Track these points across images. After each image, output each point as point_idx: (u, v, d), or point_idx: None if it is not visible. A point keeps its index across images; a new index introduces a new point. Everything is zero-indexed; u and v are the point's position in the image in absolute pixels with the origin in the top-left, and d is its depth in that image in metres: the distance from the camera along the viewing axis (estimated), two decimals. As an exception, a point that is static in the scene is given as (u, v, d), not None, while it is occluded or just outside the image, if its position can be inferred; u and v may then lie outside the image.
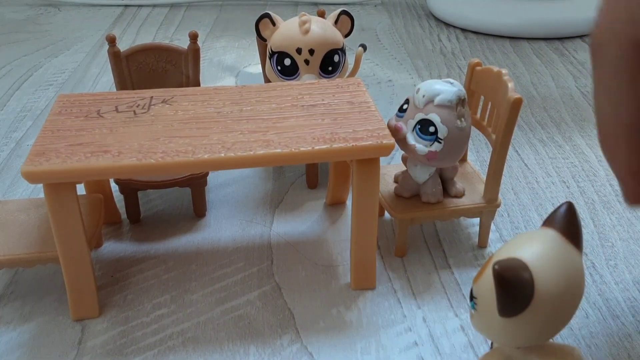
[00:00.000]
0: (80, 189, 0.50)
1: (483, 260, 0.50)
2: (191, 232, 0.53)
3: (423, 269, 0.49)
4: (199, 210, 0.54)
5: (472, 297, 0.31)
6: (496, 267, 0.28)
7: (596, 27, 0.24)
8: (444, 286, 0.47)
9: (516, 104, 0.43)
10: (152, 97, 0.47)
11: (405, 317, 0.44)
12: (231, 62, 0.90)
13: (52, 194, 0.39)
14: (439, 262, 0.49)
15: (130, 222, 0.54)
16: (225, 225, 0.54)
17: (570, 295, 0.29)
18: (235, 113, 0.45)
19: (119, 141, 0.41)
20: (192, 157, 0.40)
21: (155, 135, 0.42)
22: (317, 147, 0.41)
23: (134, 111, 0.45)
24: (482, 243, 0.51)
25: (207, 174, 0.53)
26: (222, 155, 0.40)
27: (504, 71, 0.46)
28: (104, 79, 0.83)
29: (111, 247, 0.51)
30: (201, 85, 0.55)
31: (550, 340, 0.35)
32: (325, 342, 0.42)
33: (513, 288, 0.28)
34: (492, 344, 0.35)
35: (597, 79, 0.25)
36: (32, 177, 0.38)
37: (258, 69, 0.86)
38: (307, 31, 0.53)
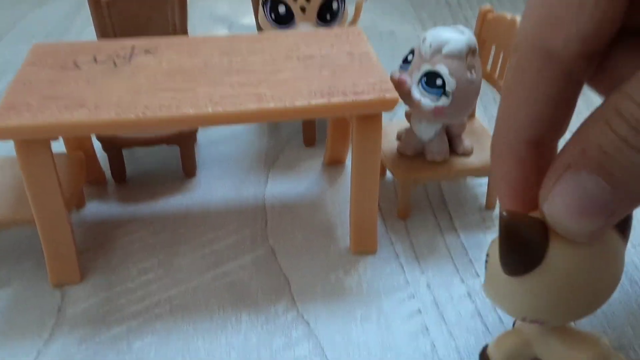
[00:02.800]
0: (62, 146, 0.47)
1: (490, 222, 0.47)
2: (180, 193, 0.50)
3: (427, 232, 0.46)
4: (188, 169, 0.51)
5: (486, 257, 0.28)
6: (504, 213, 0.24)
7: (518, 29, 0.23)
8: (449, 250, 0.44)
9: (532, 54, 0.40)
10: (134, 46, 0.43)
11: (408, 283, 0.41)
12: (224, 13, 0.85)
13: (24, 151, 0.36)
14: (444, 224, 0.46)
15: (115, 182, 0.51)
16: (217, 185, 0.51)
17: (597, 275, 0.26)
18: (225, 65, 0.41)
19: (97, 94, 0.37)
20: (176, 112, 0.36)
21: (136, 89, 0.38)
22: (313, 102, 0.37)
23: (114, 62, 0.41)
24: (490, 204, 0.48)
25: (196, 130, 0.50)
26: (209, 110, 0.36)
27: (518, 18, 0.42)
28: (89, 30, 0.78)
29: (94, 209, 0.48)
30: (189, 35, 0.51)
31: (573, 324, 0.33)
32: (322, 310, 0.39)
33: (519, 237, 0.24)
34: (514, 323, 0.32)
35: (507, 78, 0.24)
36: (0, 133, 0.35)
37: (254, 20, 0.82)
38: (303, -25, 0.48)
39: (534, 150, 0.24)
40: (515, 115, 0.23)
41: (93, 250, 0.44)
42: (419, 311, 0.39)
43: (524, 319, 0.28)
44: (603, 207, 0.22)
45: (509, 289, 0.26)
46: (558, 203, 0.23)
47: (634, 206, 0.23)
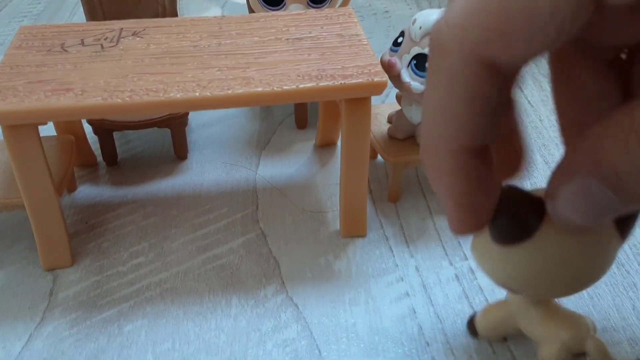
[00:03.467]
0: (52, 130, 0.47)
1: (481, 205, 0.47)
2: (171, 176, 0.50)
3: (417, 215, 0.46)
4: (179, 152, 0.51)
5: None
6: (506, 186, 0.25)
7: (444, 23, 0.20)
8: (438, 233, 0.44)
9: (522, 37, 0.39)
10: (121, 29, 0.42)
11: (397, 266, 0.42)
12: (218, -8, 0.84)
13: (12, 136, 0.36)
14: (435, 207, 0.47)
15: (107, 165, 0.50)
16: (208, 168, 0.50)
17: (582, 263, 0.26)
18: (213, 47, 0.41)
19: (84, 78, 0.37)
20: (163, 97, 0.36)
21: (123, 72, 0.38)
22: (301, 86, 0.37)
23: (102, 45, 0.41)
24: (480, 187, 0.48)
25: (187, 113, 0.50)
26: (197, 94, 0.36)
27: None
28: (81, 11, 0.78)
29: (86, 192, 0.48)
30: (179, 16, 0.51)
31: (558, 302, 0.33)
32: (311, 293, 0.40)
33: (516, 207, 0.25)
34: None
35: (430, 80, 0.21)
36: (-14, 119, 0.35)
37: (246, -2, 0.81)
38: (293, -45, 0.48)
39: (475, 158, 0.22)
40: (449, 123, 0.21)
41: (84, 233, 0.44)
42: (407, 294, 0.40)
43: (501, 286, 0.28)
44: (608, 211, 0.22)
45: (493, 255, 0.27)
46: (564, 205, 0.23)
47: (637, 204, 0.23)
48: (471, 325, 0.36)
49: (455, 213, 0.23)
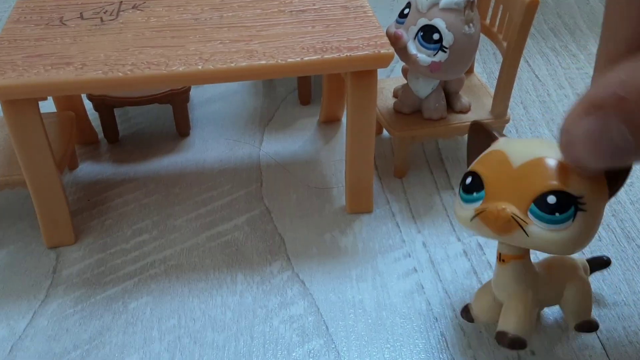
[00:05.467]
0: (52, 106, 0.47)
1: (488, 180, 0.46)
2: (174, 153, 0.49)
3: (424, 191, 0.45)
4: (182, 128, 0.50)
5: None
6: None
7: None
8: (445, 208, 0.44)
9: (532, 6, 0.39)
10: (121, 1, 0.42)
11: (404, 242, 0.41)
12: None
13: (11, 111, 0.35)
14: (441, 182, 0.46)
15: (108, 142, 0.50)
16: (211, 144, 0.50)
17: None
18: (215, 20, 0.40)
19: (83, 52, 0.36)
20: (165, 70, 0.35)
21: (124, 45, 0.37)
22: (306, 58, 0.36)
23: (101, 18, 0.40)
24: (488, 162, 0.47)
25: (189, 89, 0.49)
26: (200, 67, 0.35)
27: (519, -32, 0.40)
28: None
29: (88, 169, 0.47)
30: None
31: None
32: (318, 270, 0.39)
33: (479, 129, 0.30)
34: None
35: None
36: (-15, 93, 0.34)
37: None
38: None
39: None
40: (616, 27, 0.23)
41: (87, 211, 0.44)
42: (415, 270, 0.39)
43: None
44: (620, 155, 0.22)
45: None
46: (578, 137, 0.23)
47: None
48: (465, 310, 0.34)
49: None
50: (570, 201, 0.27)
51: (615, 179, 0.28)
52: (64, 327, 0.36)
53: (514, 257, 0.30)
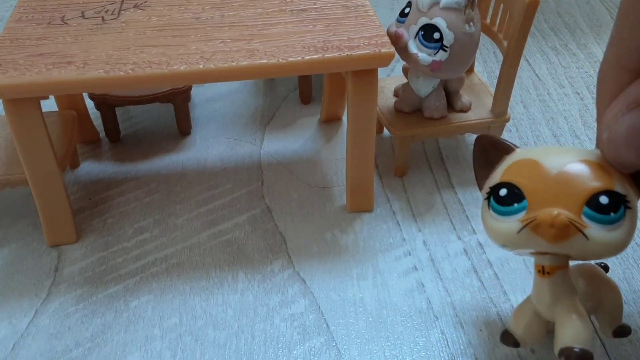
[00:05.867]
0: (53, 105, 0.47)
1: (488, 179, 0.46)
2: (175, 152, 0.49)
3: (424, 189, 0.45)
4: (183, 127, 0.50)
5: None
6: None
7: None
8: (446, 207, 0.44)
9: (532, 6, 0.39)
10: (122, 1, 0.42)
11: (404, 241, 0.41)
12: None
13: (13, 110, 0.35)
14: (442, 181, 0.46)
15: (110, 141, 0.50)
16: (212, 144, 0.50)
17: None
18: (216, 19, 0.40)
19: (85, 51, 0.36)
20: (166, 69, 0.35)
21: (125, 45, 0.37)
22: (307, 57, 0.36)
23: (102, 17, 0.40)
24: (488, 161, 0.47)
25: (190, 88, 0.49)
26: (201, 66, 0.36)
27: (519, -32, 0.40)
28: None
29: (89, 168, 0.48)
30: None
31: None
32: (318, 268, 0.39)
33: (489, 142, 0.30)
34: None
35: (621, 5, 0.24)
36: (-13, 92, 0.34)
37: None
38: None
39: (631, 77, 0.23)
40: (623, 42, 0.23)
41: (88, 210, 0.44)
42: (415, 268, 0.39)
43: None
44: None
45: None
46: (620, 133, 0.24)
47: None
48: (507, 336, 0.32)
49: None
50: (620, 200, 0.26)
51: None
52: (66, 325, 0.36)
53: (559, 268, 0.29)
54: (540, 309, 0.30)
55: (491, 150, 0.30)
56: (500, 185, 0.28)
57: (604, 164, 0.27)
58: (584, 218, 0.26)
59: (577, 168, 0.27)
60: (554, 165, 0.27)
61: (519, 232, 0.27)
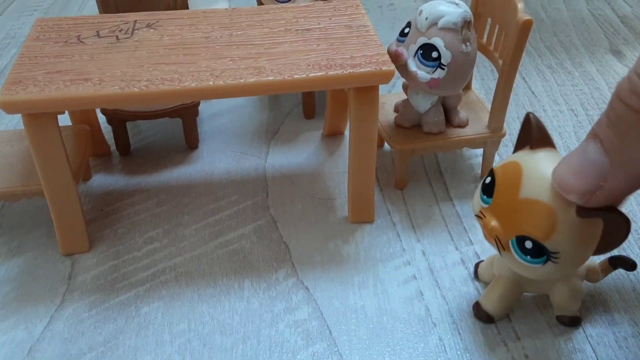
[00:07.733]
0: (67, 120, 0.48)
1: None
2: (183, 165, 0.51)
3: (423, 202, 0.47)
4: (191, 141, 0.52)
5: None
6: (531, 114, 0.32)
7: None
8: (444, 219, 0.45)
9: (526, 26, 0.40)
10: (135, 21, 0.44)
11: (404, 251, 0.43)
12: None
13: (32, 124, 0.37)
14: (440, 194, 0.48)
15: (120, 154, 0.52)
16: (219, 157, 0.52)
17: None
18: (225, 38, 0.42)
19: (100, 68, 0.38)
20: (178, 86, 0.37)
21: (139, 62, 0.39)
22: (311, 75, 0.38)
23: (117, 36, 0.42)
24: (485, 174, 0.49)
25: (198, 103, 0.51)
26: (211, 83, 0.37)
27: (513, -9, 0.42)
28: (91, 4, 0.79)
29: (100, 180, 0.49)
30: (190, 8, 0.52)
31: None
32: (321, 276, 0.41)
33: (537, 124, 0.32)
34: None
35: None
36: (8, 107, 0.36)
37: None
38: (302, -52, 0.49)
39: None
40: None
41: (100, 220, 0.45)
42: (414, 277, 0.41)
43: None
44: (597, 171, 0.25)
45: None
46: (564, 164, 0.28)
47: (628, 184, 0.25)
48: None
49: None
50: (544, 252, 0.30)
51: (612, 234, 0.30)
52: (80, 330, 0.37)
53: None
54: (494, 267, 0.37)
55: (534, 131, 0.32)
56: (491, 172, 0.32)
57: (562, 215, 0.29)
58: (510, 244, 0.31)
59: (535, 207, 0.30)
60: (525, 190, 0.30)
61: (475, 214, 0.34)
